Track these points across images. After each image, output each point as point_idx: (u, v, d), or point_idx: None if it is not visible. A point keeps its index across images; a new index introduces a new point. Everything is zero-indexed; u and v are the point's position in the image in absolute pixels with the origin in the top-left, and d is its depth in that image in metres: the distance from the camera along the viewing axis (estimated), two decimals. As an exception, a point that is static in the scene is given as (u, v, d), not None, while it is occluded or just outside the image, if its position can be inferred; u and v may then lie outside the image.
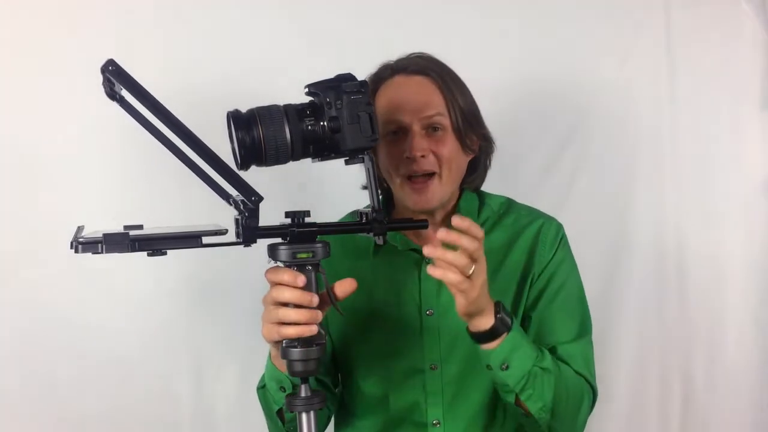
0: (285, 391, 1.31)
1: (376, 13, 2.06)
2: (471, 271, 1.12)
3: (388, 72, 1.47)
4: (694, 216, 2.20)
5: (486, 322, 1.23)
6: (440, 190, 1.42)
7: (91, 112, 1.81)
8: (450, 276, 1.12)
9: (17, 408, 1.86)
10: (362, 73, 1.50)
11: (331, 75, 1.16)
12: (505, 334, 1.24)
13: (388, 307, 1.50)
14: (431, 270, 1.13)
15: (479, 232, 1.13)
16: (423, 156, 1.39)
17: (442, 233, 1.11)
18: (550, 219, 1.53)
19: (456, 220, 1.12)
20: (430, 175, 1.41)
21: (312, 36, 2.01)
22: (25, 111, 1.84)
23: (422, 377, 1.47)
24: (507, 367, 1.25)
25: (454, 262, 1.12)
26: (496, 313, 1.23)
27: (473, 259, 1.13)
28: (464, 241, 1.11)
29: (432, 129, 1.41)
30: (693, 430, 2.23)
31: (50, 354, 1.87)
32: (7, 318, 1.85)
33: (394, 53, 1.52)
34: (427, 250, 1.12)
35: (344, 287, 1.20)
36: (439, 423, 1.47)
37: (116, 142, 1.85)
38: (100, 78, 1.06)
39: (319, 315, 1.13)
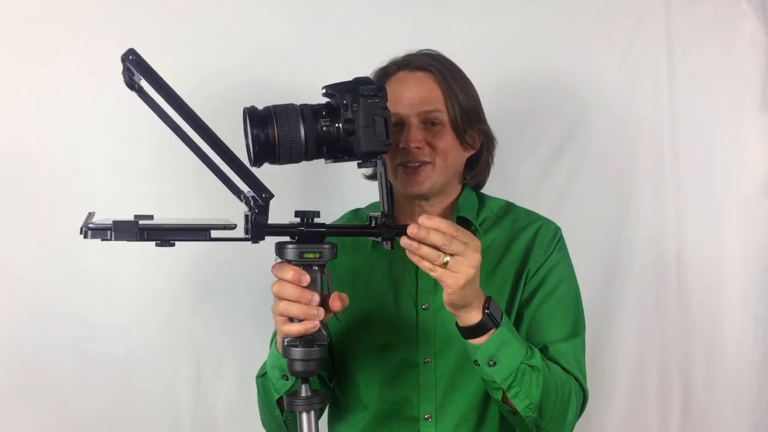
0: (287, 379, 1.31)
1: (376, 13, 2.07)
2: (443, 261, 1.14)
3: (393, 67, 1.51)
4: (694, 216, 2.20)
5: (474, 316, 1.24)
6: (431, 177, 1.46)
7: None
8: (424, 263, 1.15)
9: (17, 407, 1.85)
10: (367, 72, 1.51)
11: (347, 76, 1.16)
12: (492, 330, 1.25)
13: (385, 301, 1.52)
14: (410, 255, 1.16)
15: (448, 228, 1.14)
16: (418, 147, 1.44)
17: (413, 229, 1.13)
18: (548, 221, 1.56)
19: (423, 220, 1.13)
20: (424, 164, 1.45)
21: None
22: (29, 109, 1.84)
23: (416, 371, 1.48)
24: (494, 364, 1.26)
25: (425, 256, 1.14)
26: (485, 308, 1.24)
27: (445, 252, 1.14)
28: (432, 238, 1.13)
29: (430, 123, 1.45)
30: (692, 430, 2.23)
31: (50, 353, 1.86)
32: (7, 317, 1.84)
33: (393, 52, 1.56)
34: (403, 242, 1.14)
35: (335, 305, 1.19)
36: (430, 417, 1.48)
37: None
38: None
39: (321, 313, 1.14)
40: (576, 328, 1.48)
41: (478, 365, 1.27)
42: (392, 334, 1.50)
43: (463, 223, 1.50)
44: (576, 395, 1.40)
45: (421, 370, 1.48)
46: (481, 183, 1.62)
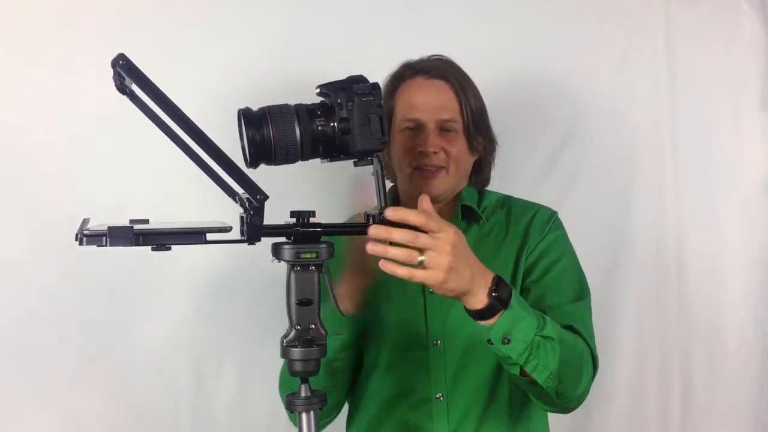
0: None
1: (377, 12, 2.06)
2: (418, 260, 1.09)
3: (410, 72, 1.58)
4: (694, 216, 2.21)
5: (479, 300, 1.18)
6: (446, 182, 1.54)
7: (96, 108, 1.81)
8: (399, 271, 1.10)
9: (17, 406, 1.84)
10: (366, 72, 1.51)
11: (341, 76, 1.16)
12: (502, 311, 1.19)
13: (394, 285, 1.51)
14: (382, 265, 1.10)
15: (416, 217, 1.09)
16: (435, 152, 1.51)
17: (373, 231, 1.10)
18: (545, 207, 1.62)
19: (388, 212, 1.10)
20: (439, 168, 1.52)
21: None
22: (29, 110, 1.83)
23: (426, 353, 1.51)
24: (509, 341, 1.21)
25: (395, 258, 1.09)
26: (491, 291, 1.18)
27: (419, 249, 1.09)
28: (395, 235, 1.08)
29: (445, 130, 1.53)
30: (692, 430, 2.23)
31: (51, 353, 1.85)
32: (7, 316, 1.83)
33: (394, 52, 1.60)
34: (369, 248, 1.10)
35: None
36: (442, 397, 1.50)
37: (123, 139, 1.84)
38: (108, 73, 1.06)
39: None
40: (581, 292, 1.51)
41: (492, 344, 1.22)
42: (402, 317, 1.54)
43: (467, 211, 1.58)
44: (585, 352, 1.38)
45: (430, 353, 1.51)
46: (486, 183, 1.69)
